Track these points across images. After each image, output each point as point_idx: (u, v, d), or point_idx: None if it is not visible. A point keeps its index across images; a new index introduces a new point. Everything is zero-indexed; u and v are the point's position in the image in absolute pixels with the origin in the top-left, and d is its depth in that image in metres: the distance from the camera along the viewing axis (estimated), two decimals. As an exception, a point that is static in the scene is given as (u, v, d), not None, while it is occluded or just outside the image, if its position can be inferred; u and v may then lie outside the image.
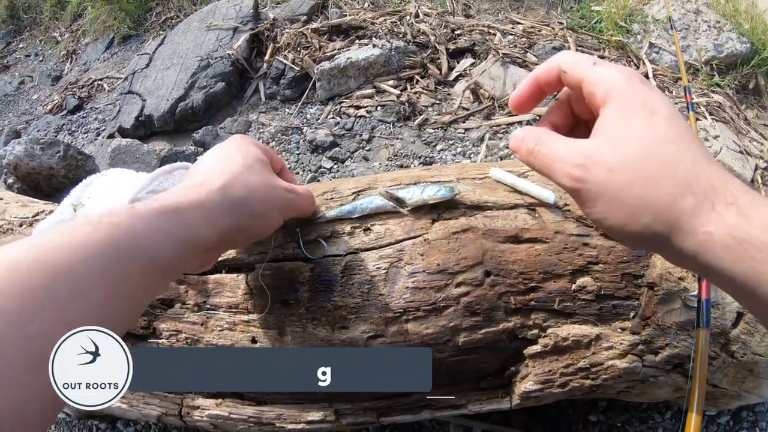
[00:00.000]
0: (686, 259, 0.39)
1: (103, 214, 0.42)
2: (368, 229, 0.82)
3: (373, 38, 1.98)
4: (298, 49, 2.03)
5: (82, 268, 0.37)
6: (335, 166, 1.78)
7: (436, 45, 1.95)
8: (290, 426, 0.84)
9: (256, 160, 0.60)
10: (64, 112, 2.53)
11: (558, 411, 1.16)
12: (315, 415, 0.83)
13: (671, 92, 2.05)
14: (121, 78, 2.53)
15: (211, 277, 0.84)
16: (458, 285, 0.76)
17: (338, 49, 1.97)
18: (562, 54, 0.47)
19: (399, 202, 0.81)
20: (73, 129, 2.40)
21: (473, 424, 1.12)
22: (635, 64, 2.16)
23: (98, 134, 2.31)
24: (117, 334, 0.39)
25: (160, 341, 0.85)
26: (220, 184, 0.53)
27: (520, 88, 0.51)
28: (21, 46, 3.68)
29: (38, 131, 2.40)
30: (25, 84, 3.10)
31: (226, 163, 0.57)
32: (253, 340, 0.80)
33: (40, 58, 3.37)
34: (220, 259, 0.84)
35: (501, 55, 1.95)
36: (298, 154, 1.83)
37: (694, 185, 0.38)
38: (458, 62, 1.96)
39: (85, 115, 2.46)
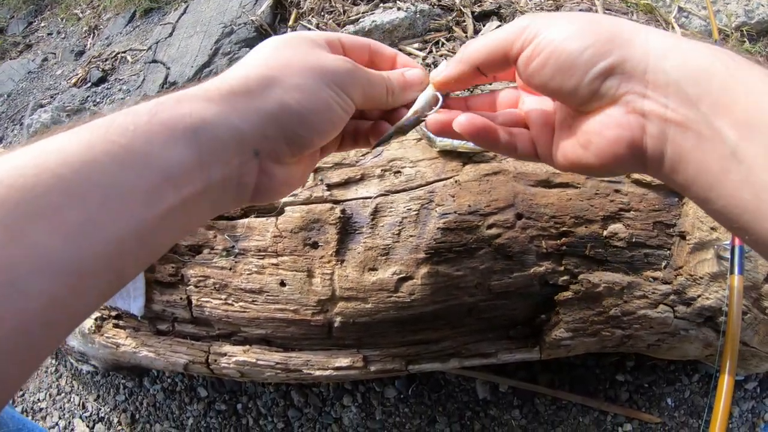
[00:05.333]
0: (635, 74, 0.36)
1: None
2: (398, 171, 0.81)
3: (398, 1, 1.94)
4: (322, 13, 2.01)
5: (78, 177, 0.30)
6: (361, 128, 1.76)
7: (461, 8, 1.91)
8: (317, 372, 0.84)
9: (295, 38, 0.46)
10: (89, 84, 2.53)
11: (585, 370, 1.15)
12: (343, 362, 0.83)
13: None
14: (144, 50, 2.53)
15: (240, 221, 0.84)
16: (490, 227, 0.75)
17: (362, 13, 1.94)
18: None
19: (430, 140, 0.80)
20: (98, 100, 2.41)
21: (500, 381, 1.11)
22: (664, 28, 2.11)
23: (123, 104, 2.32)
24: (135, 250, 0.32)
25: (188, 288, 0.86)
26: (238, 72, 0.43)
27: (451, 71, 0.45)
28: (42, 25, 3.70)
29: (63, 104, 2.42)
30: (48, 61, 3.12)
31: (250, 57, 0.47)
32: (282, 283, 0.80)
33: (63, 36, 3.38)
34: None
35: (526, 19, 1.92)
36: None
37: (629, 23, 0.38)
38: (484, 25, 1.92)
39: (109, 86, 2.47)
